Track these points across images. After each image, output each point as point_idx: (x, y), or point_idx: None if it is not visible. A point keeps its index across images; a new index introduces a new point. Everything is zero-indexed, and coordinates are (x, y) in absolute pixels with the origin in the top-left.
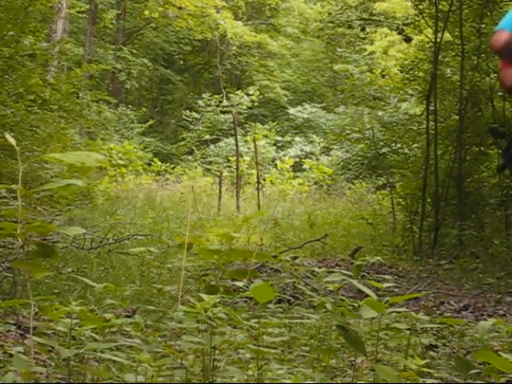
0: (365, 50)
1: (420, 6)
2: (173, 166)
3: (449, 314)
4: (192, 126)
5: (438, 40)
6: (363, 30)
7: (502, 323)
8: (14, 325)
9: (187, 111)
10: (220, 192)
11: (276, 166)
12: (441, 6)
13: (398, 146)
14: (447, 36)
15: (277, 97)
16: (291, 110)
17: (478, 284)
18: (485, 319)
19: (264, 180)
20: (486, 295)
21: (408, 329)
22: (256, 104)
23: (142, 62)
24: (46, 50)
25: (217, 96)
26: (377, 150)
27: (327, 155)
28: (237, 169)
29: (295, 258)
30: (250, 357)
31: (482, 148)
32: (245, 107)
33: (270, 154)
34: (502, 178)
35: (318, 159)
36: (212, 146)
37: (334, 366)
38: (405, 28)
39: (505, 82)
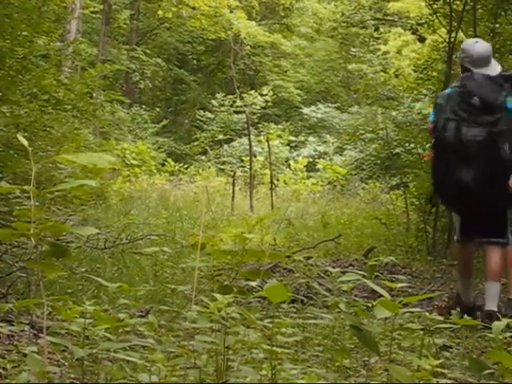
0: (378, 49)
1: (434, 6)
2: (186, 166)
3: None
4: (205, 126)
5: (452, 40)
6: (377, 29)
7: None
8: (28, 324)
9: (201, 111)
10: (233, 192)
11: (289, 165)
12: (455, 6)
13: (412, 145)
14: (461, 36)
15: (290, 96)
16: (305, 110)
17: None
18: (498, 319)
19: (277, 180)
20: (499, 295)
21: (422, 329)
22: (269, 104)
23: (155, 62)
24: (60, 51)
25: (230, 96)
26: (390, 150)
27: (341, 155)
28: (250, 169)
29: (309, 257)
30: (263, 357)
31: None
32: (258, 107)
33: (283, 153)
34: None
35: (331, 159)
36: (225, 146)
37: (347, 366)
38: (419, 28)
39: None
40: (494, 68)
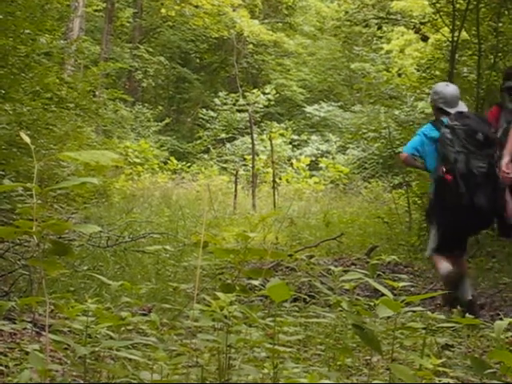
0: (381, 48)
1: (437, 5)
2: (189, 164)
3: None
4: (208, 125)
5: (455, 39)
6: (380, 28)
7: None
8: (30, 322)
9: (203, 110)
10: (236, 191)
11: (292, 164)
12: (458, 5)
13: None
14: (464, 35)
15: (293, 95)
16: (308, 109)
17: (494, 283)
18: (501, 319)
19: (280, 179)
20: (502, 294)
21: (424, 328)
22: (272, 103)
23: (158, 60)
24: (63, 49)
25: (233, 94)
26: (393, 149)
27: (343, 154)
28: (253, 167)
29: (311, 256)
30: (265, 355)
31: None
32: (261, 106)
33: (285, 152)
34: None
35: (334, 158)
36: (228, 145)
37: (349, 364)
38: (422, 27)
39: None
40: (463, 106)
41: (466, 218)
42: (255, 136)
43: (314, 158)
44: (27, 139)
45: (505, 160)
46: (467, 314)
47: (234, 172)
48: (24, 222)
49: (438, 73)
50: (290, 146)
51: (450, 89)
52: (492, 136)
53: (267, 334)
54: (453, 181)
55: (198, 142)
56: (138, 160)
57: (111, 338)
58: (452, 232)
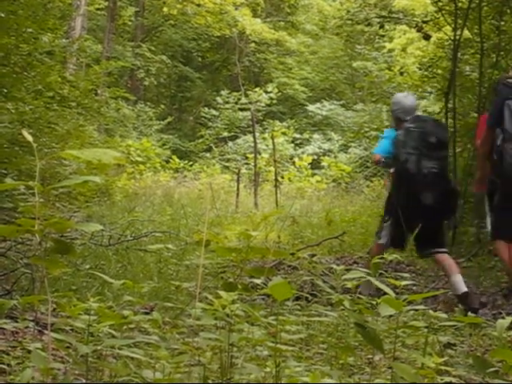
0: (383, 47)
1: (439, 3)
2: (191, 163)
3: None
4: (210, 124)
5: (457, 37)
6: (382, 27)
7: None
8: (32, 321)
9: (206, 108)
10: (238, 189)
11: (294, 163)
12: (460, 4)
13: None
14: (466, 33)
15: (295, 94)
16: (310, 107)
17: (496, 282)
18: (503, 317)
19: (282, 177)
20: (503, 293)
21: (426, 327)
22: (274, 101)
23: (160, 59)
24: (65, 48)
25: (235, 93)
26: None
27: (345, 153)
28: (255, 166)
29: (313, 255)
30: (267, 354)
31: None
32: (263, 104)
33: (288, 151)
34: None
35: (336, 157)
36: (230, 144)
37: (351, 363)
38: (424, 25)
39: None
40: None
41: (415, 217)
42: (257, 135)
43: (316, 157)
44: (29, 138)
45: (477, 177)
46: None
47: (236, 171)
48: (26, 220)
49: (440, 71)
50: (292, 144)
51: (408, 100)
52: (445, 140)
53: (269, 332)
54: (402, 180)
55: (200, 140)
56: (140, 159)
57: (113, 336)
58: (400, 228)
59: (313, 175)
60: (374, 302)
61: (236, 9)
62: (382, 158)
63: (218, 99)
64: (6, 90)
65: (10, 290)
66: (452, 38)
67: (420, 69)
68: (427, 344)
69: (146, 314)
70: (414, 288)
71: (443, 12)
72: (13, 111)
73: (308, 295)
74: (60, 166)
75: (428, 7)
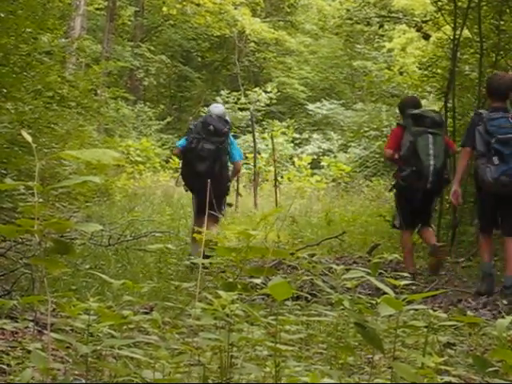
0: (383, 47)
1: (439, 3)
2: None
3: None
4: None
5: (457, 37)
6: (381, 27)
7: None
8: (32, 321)
9: (205, 108)
10: (237, 189)
11: (294, 163)
12: (459, 3)
13: None
14: (466, 33)
15: (295, 93)
16: (310, 106)
17: (496, 282)
18: (502, 317)
19: (281, 177)
20: (504, 293)
21: (426, 326)
22: (274, 101)
23: (160, 58)
24: (64, 47)
25: (235, 93)
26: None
27: (345, 152)
28: (254, 166)
29: (313, 255)
30: (267, 354)
31: None
32: (263, 104)
33: (287, 151)
34: None
35: (335, 156)
36: None
37: (351, 363)
38: (423, 25)
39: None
40: (220, 112)
41: (196, 183)
42: (257, 134)
43: (315, 157)
44: (29, 138)
45: (453, 188)
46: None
47: None
48: (26, 220)
49: (439, 71)
50: (292, 144)
51: (217, 109)
52: (220, 128)
53: (269, 332)
54: (188, 155)
55: None
56: (139, 159)
57: (113, 336)
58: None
59: (312, 175)
60: (374, 302)
61: (235, 8)
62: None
63: (218, 99)
64: (5, 90)
65: (10, 290)
66: (451, 37)
67: (419, 68)
68: (427, 344)
69: (146, 313)
70: (414, 288)
71: (443, 11)
72: (12, 111)
73: (308, 295)
74: (59, 166)
75: (427, 7)
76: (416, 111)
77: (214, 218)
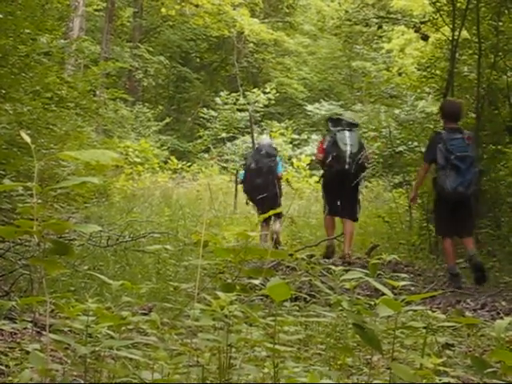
0: (382, 48)
1: (437, 4)
2: (189, 163)
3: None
4: (209, 124)
5: (456, 38)
6: (380, 28)
7: None
8: (31, 322)
9: (204, 109)
10: (236, 190)
11: (292, 164)
12: (458, 4)
13: (415, 144)
14: (464, 34)
15: (293, 94)
16: (309, 107)
17: (495, 283)
18: (501, 318)
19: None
20: (502, 294)
21: (424, 327)
22: (272, 102)
23: (158, 59)
24: (63, 48)
25: (234, 94)
26: (393, 149)
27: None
28: None
29: (311, 256)
30: (266, 355)
31: (498, 146)
32: (261, 105)
33: (286, 152)
34: None
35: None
36: (228, 144)
37: (350, 364)
38: (422, 26)
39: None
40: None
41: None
42: (255, 135)
43: (314, 158)
44: (27, 139)
45: (412, 194)
46: None
47: (235, 171)
48: (24, 221)
49: (438, 72)
50: (291, 145)
51: (266, 140)
52: (271, 152)
53: (268, 333)
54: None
55: (199, 141)
56: (138, 159)
57: (112, 337)
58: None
59: (311, 176)
60: (373, 303)
61: (234, 9)
62: None
63: (217, 100)
64: (4, 91)
65: (9, 291)
66: (450, 38)
67: (418, 69)
68: (425, 344)
69: (145, 314)
70: (413, 289)
71: (441, 13)
72: (11, 112)
73: (306, 296)
74: (58, 167)
75: (426, 8)
76: (335, 116)
77: (277, 215)
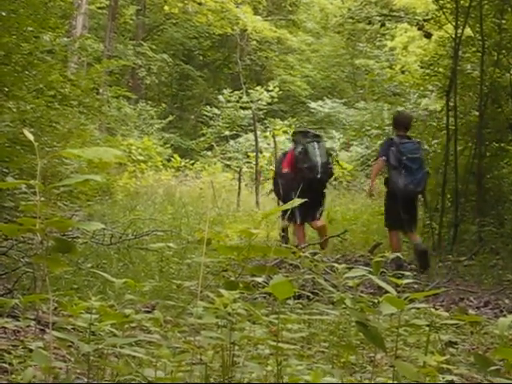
0: (385, 45)
1: (440, 2)
2: (192, 161)
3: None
4: (212, 122)
5: (459, 36)
6: (383, 25)
7: None
8: (34, 320)
9: (207, 107)
10: (239, 188)
11: None
12: (461, 2)
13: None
14: (467, 31)
15: (297, 92)
16: (312, 105)
17: (498, 280)
18: (504, 316)
19: None
20: (505, 292)
21: (427, 325)
22: (276, 100)
23: (161, 57)
24: (66, 46)
25: (237, 92)
26: None
27: (347, 151)
28: (256, 165)
29: (314, 253)
30: (269, 352)
31: (502, 144)
32: (264, 103)
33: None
34: None
35: (337, 155)
36: (232, 142)
37: (353, 362)
38: (425, 23)
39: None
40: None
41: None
42: (259, 133)
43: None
44: (31, 137)
45: (371, 185)
46: None
47: (238, 169)
48: (27, 219)
49: (441, 70)
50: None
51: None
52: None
53: (271, 331)
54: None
55: (202, 139)
56: (141, 157)
57: (115, 335)
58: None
59: None
60: (376, 301)
61: (237, 7)
62: None
63: (220, 98)
64: (7, 89)
65: (12, 288)
66: (453, 36)
67: (421, 67)
68: (429, 342)
69: (148, 312)
70: (416, 286)
71: (444, 10)
72: (14, 110)
73: (309, 294)
74: (61, 165)
75: (429, 5)
76: (302, 129)
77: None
